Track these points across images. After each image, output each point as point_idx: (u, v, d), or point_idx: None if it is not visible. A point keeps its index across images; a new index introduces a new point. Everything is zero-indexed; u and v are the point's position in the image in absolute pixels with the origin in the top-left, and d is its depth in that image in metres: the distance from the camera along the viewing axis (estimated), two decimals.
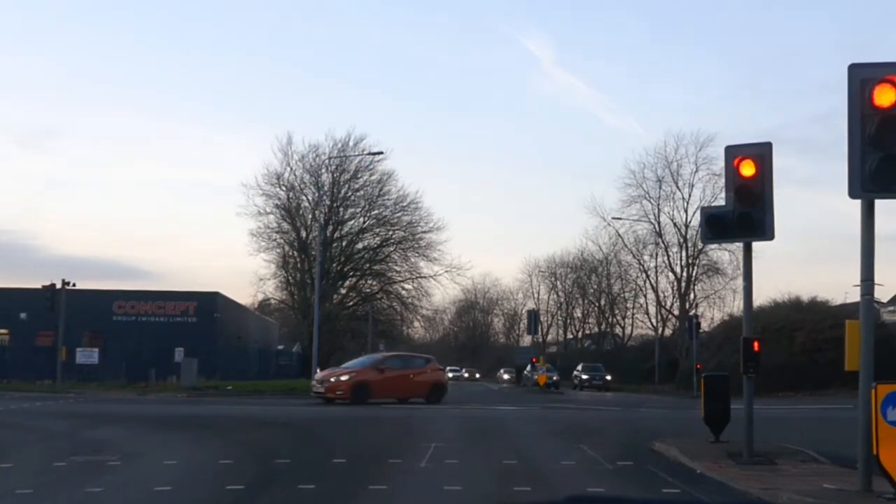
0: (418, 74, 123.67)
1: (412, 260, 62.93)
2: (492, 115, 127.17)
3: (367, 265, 63.44)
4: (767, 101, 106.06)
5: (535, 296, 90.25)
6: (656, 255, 63.89)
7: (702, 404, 15.09)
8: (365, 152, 57.31)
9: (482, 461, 12.73)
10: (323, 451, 14.04)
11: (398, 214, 61.45)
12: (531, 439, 17.22)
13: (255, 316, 69.18)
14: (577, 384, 56.72)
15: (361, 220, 61.67)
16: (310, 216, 59.66)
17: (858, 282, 9.49)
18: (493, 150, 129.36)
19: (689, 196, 60.78)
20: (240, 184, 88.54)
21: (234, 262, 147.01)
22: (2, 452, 13.24)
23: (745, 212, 12.07)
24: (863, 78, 9.13)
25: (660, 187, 61.50)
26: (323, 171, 59.27)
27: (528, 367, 52.27)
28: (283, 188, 59.30)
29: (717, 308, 62.47)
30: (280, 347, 75.54)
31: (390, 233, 62.43)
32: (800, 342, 41.72)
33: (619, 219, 61.86)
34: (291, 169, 59.15)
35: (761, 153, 12.16)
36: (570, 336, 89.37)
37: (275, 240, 60.73)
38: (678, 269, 62.68)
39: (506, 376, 68.21)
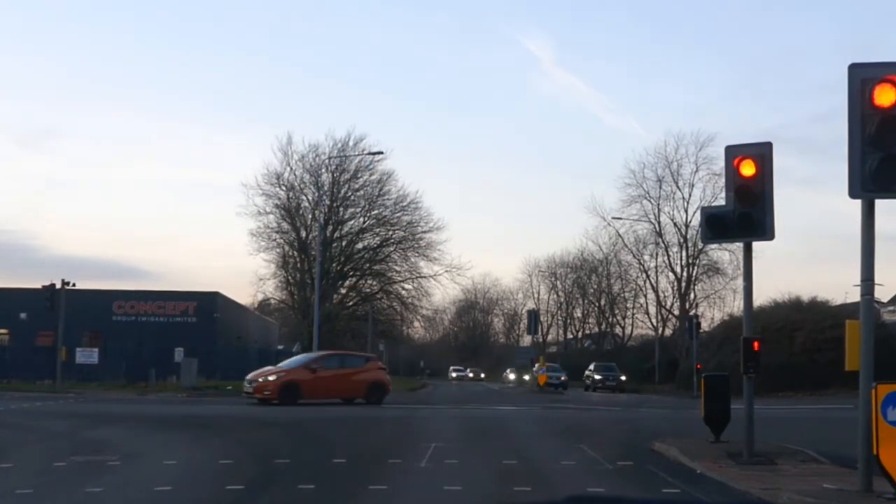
0: (418, 74, 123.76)
1: (412, 260, 62.96)
2: (492, 115, 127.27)
3: (367, 265, 63.43)
4: (767, 101, 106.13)
5: (535, 296, 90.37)
6: (656, 254, 63.95)
7: (702, 404, 15.09)
8: (365, 152, 57.34)
9: (482, 461, 12.73)
10: (323, 451, 14.03)
11: (398, 214, 61.48)
12: (531, 439, 17.21)
13: (255, 316, 69.19)
14: (589, 385, 54.09)
15: (361, 219, 61.69)
16: (310, 216, 59.66)
17: (858, 282, 9.49)
18: (493, 150, 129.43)
19: (690, 196, 60.84)
20: (240, 184, 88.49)
21: (234, 262, 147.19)
22: (2, 452, 13.23)
23: (745, 212, 12.07)
24: (863, 78, 9.13)
25: (660, 187, 61.54)
26: (323, 170, 59.29)
27: (536, 367, 52.09)
28: (283, 188, 59.33)
29: (717, 308, 62.53)
30: (280, 347, 75.44)
31: (390, 233, 62.44)
32: (800, 342, 41.71)
33: (619, 219, 61.91)
34: (291, 169, 59.17)
35: (761, 153, 12.16)
36: (570, 336, 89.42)
37: (275, 240, 60.75)
38: (678, 269, 62.72)
39: (512, 376, 66.50)
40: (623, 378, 53.43)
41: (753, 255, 12.86)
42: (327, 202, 59.13)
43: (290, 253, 61.18)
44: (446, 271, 61.93)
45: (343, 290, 64.21)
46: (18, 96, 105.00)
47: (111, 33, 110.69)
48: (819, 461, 12.33)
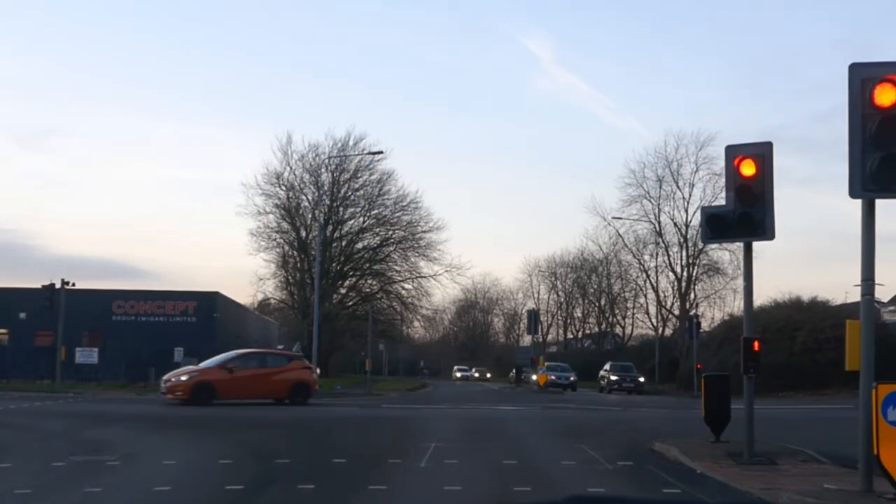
0: (418, 74, 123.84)
1: (412, 260, 63.00)
2: (492, 114, 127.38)
3: (367, 265, 63.44)
4: (767, 101, 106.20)
5: (535, 296, 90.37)
6: (656, 254, 63.95)
7: (702, 404, 15.08)
8: (365, 152, 57.35)
9: (482, 461, 12.71)
10: (322, 450, 14.02)
11: (398, 214, 61.50)
12: (531, 439, 17.20)
13: (255, 316, 69.16)
14: (604, 386, 51.29)
15: (361, 219, 61.72)
16: (309, 216, 59.67)
17: (859, 282, 9.47)
18: (493, 150, 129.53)
19: (690, 196, 60.85)
20: (239, 183, 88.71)
21: (234, 262, 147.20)
22: (1, 452, 13.22)
23: (745, 211, 12.05)
24: (863, 77, 9.11)
25: (660, 187, 61.55)
26: (323, 170, 59.30)
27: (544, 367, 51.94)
28: (283, 188, 59.35)
29: (717, 308, 62.54)
30: (280, 347, 75.46)
31: (390, 232, 62.46)
32: (800, 342, 41.69)
33: (620, 218, 61.90)
34: (291, 168, 59.20)
35: (762, 153, 12.14)
36: (570, 336, 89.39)
37: (274, 239, 60.78)
38: (678, 269, 62.73)
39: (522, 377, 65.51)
40: (642, 379, 50.76)
41: (754, 254, 12.85)
42: (327, 202, 59.14)
43: (290, 253, 61.20)
44: (446, 271, 62.01)
45: (343, 290, 64.22)
46: (18, 96, 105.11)
47: (111, 33, 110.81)
48: (819, 461, 12.32)
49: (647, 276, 65.80)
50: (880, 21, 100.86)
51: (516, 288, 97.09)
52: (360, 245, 62.75)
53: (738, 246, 20.95)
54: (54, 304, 36.61)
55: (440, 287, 73.13)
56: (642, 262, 65.87)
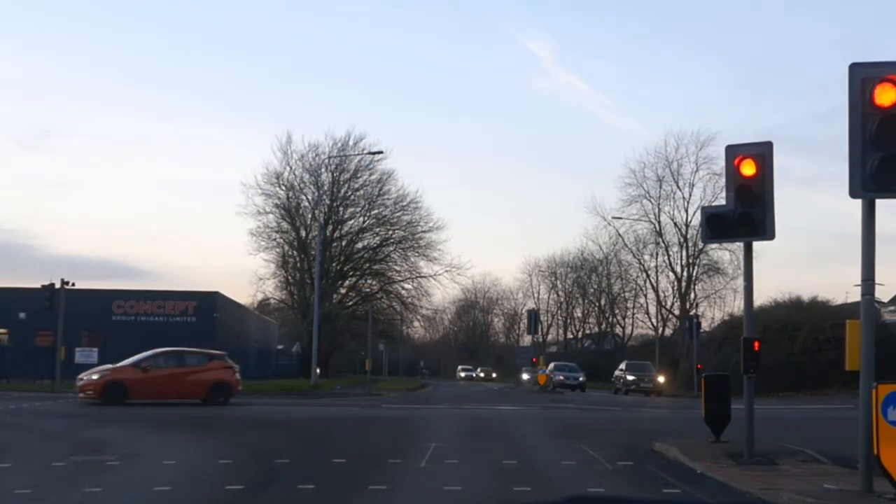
0: (418, 74, 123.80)
1: (412, 259, 63.04)
2: (492, 114, 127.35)
3: (367, 265, 63.46)
4: (767, 101, 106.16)
5: (535, 295, 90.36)
6: (657, 254, 63.98)
7: (702, 404, 15.07)
8: (365, 152, 57.39)
9: (482, 461, 12.71)
10: (322, 450, 14.01)
11: (398, 214, 61.54)
12: (531, 439, 17.20)
13: (255, 315, 69.18)
14: (619, 387, 48.26)
15: (361, 219, 61.75)
16: (309, 216, 59.70)
17: (859, 281, 9.46)
18: (493, 150, 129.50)
19: (690, 195, 60.88)
20: (239, 183, 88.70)
21: (234, 262, 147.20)
22: (1, 452, 13.21)
23: (745, 211, 12.04)
24: (863, 77, 9.11)
25: (660, 187, 61.56)
26: (322, 170, 59.34)
27: (551, 367, 51.72)
28: (283, 188, 59.40)
29: (717, 308, 62.57)
30: (279, 347, 75.51)
31: (390, 232, 62.49)
32: (800, 342, 41.67)
33: (620, 218, 61.91)
34: (291, 168, 59.25)
35: (762, 153, 12.14)
36: (570, 336, 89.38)
37: (274, 239, 60.83)
38: (678, 269, 62.75)
39: (526, 376, 60.95)
40: (662, 380, 47.68)
41: (754, 254, 12.84)
42: (327, 202, 59.16)
43: (290, 252, 61.24)
44: (446, 271, 62.06)
45: (343, 290, 64.25)
46: (18, 96, 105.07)
47: (111, 33, 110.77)
48: (819, 461, 12.31)
49: (647, 275, 65.90)
50: (880, 21, 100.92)
51: (516, 288, 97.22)
52: (360, 245, 62.80)
53: (738, 246, 20.95)
54: (54, 303, 36.60)
55: (440, 287, 73.24)
56: (642, 261, 65.97)
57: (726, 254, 58.14)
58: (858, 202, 9.37)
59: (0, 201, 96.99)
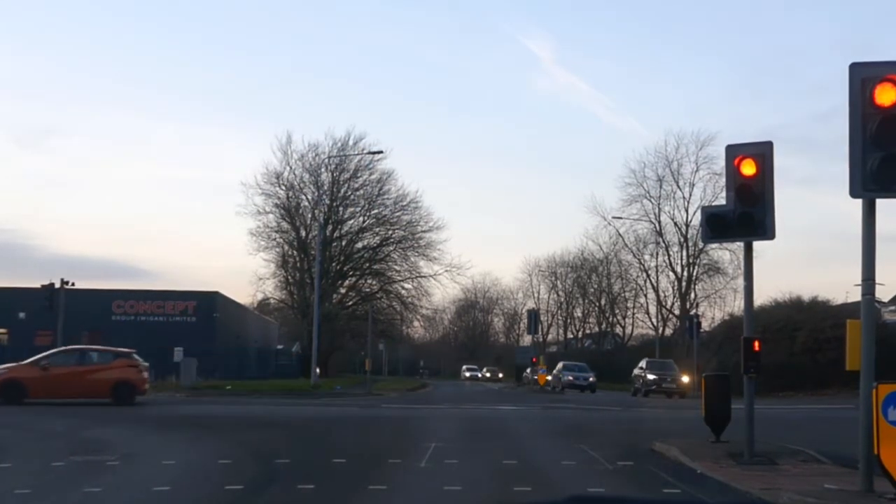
0: (418, 74, 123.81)
1: (412, 259, 63.03)
2: (492, 114, 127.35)
3: (367, 264, 63.46)
4: (767, 101, 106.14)
5: (536, 295, 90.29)
6: (657, 254, 64.01)
7: (702, 404, 15.06)
8: (364, 151, 57.38)
9: (482, 461, 12.70)
10: (322, 450, 14.01)
11: (398, 214, 61.54)
12: (531, 439, 17.19)
13: (255, 315, 69.17)
14: (638, 388, 44.42)
15: (361, 219, 61.76)
16: (309, 215, 59.69)
17: (859, 281, 9.45)
18: (493, 150, 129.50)
19: (690, 195, 60.92)
20: (239, 183, 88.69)
21: (234, 262, 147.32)
22: (1, 452, 13.20)
23: (745, 211, 12.03)
24: (864, 77, 9.10)
25: (660, 186, 61.60)
26: (322, 170, 59.34)
27: (559, 367, 51.44)
28: (283, 187, 59.39)
29: (717, 308, 62.57)
30: (279, 347, 75.51)
31: (390, 232, 62.49)
32: (801, 342, 41.67)
33: (620, 218, 61.90)
34: (291, 168, 59.25)
35: (762, 152, 12.12)
36: (570, 336, 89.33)
37: (274, 239, 60.82)
38: (679, 269, 62.80)
39: (533, 377, 60.58)
40: (686, 379, 42.77)
41: (754, 254, 12.83)
42: (327, 201, 59.16)
43: (290, 252, 61.24)
44: (446, 271, 62.04)
45: (343, 290, 64.24)
46: (18, 96, 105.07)
47: (111, 33, 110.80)
48: (820, 461, 12.30)
49: (648, 275, 65.92)
50: (880, 21, 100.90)
51: (516, 288, 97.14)
52: (359, 245, 62.81)
53: (738, 246, 20.94)
54: (54, 303, 36.61)
55: (440, 287, 73.13)
56: (642, 261, 65.99)
57: (726, 254, 58.22)
58: (859, 202, 9.36)
59: (0, 201, 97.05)
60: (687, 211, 60.98)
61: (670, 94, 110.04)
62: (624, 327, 78.00)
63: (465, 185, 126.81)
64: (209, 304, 53.06)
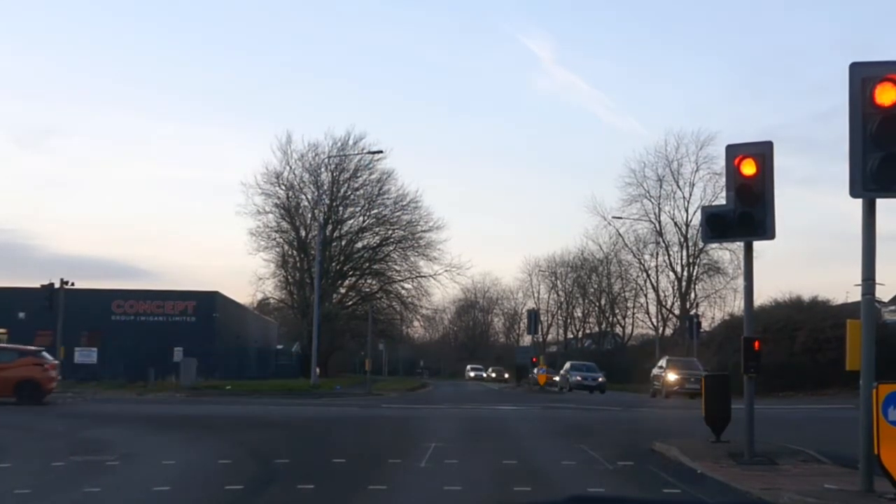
0: (418, 74, 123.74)
1: (412, 259, 63.04)
2: (492, 114, 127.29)
3: (367, 264, 63.46)
4: (767, 101, 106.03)
5: (536, 295, 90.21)
6: (657, 254, 63.97)
7: (702, 404, 15.06)
8: (364, 151, 57.37)
9: (482, 461, 12.69)
10: (322, 450, 14.00)
11: (398, 213, 61.54)
12: (531, 439, 17.18)
13: (255, 315, 69.16)
14: (658, 388, 40.37)
15: (361, 219, 61.76)
16: (309, 215, 59.69)
17: (859, 281, 9.45)
18: (493, 150, 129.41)
19: (690, 195, 60.88)
20: (239, 183, 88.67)
21: (234, 262, 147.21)
22: (1, 452, 13.20)
23: (745, 211, 12.02)
24: (864, 77, 9.09)
25: (660, 186, 61.56)
26: (322, 170, 59.33)
27: (567, 367, 51.29)
28: (283, 187, 59.38)
29: (717, 307, 62.52)
30: (279, 347, 75.51)
31: (390, 232, 62.49)
32: (801, 342, 41.65)
33: (620, 218, 61.86)
34: (291, 168, 59.23)
35: (762, 152, 12.11)
36: (570, 336, 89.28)
37: (274, 239, 60.81)
38: (679, 269, 62.77)
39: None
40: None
41: (754, 254, 12.82)
42: (327, 201, 59.14)
43: (290, 252, 61.24)
44: (446, 271, 62.04)
45: (342, 290, 64.25)
46: (18, 96, 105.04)
47: (111, 33, 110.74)
48: (820, 461, 12.30)
49: (648, 275, 65.88)
50: (880, 21, 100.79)
51: (516, 287, 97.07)
52: (359, 244, 62.81)
53: (738, 245, 20.93)
54: (53, 303, 36.59)
55: (440, 287, 73.08)
56: (642, 261, 65.94)
57: (726, 253, 58.19)
58: (859, 202, 9.36)
59: (0, 201, 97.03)
60: (687, 211, 61.02)
61: (670, 94, 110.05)
62: (624, 327, 78.02)
63: (465, 185, 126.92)
64: (209, 304, 53.04)
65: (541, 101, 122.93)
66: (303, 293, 59.67)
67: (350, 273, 63.73)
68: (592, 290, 79.79)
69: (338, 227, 60.78)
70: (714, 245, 52.70)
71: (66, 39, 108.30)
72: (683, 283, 62.27)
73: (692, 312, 56.48)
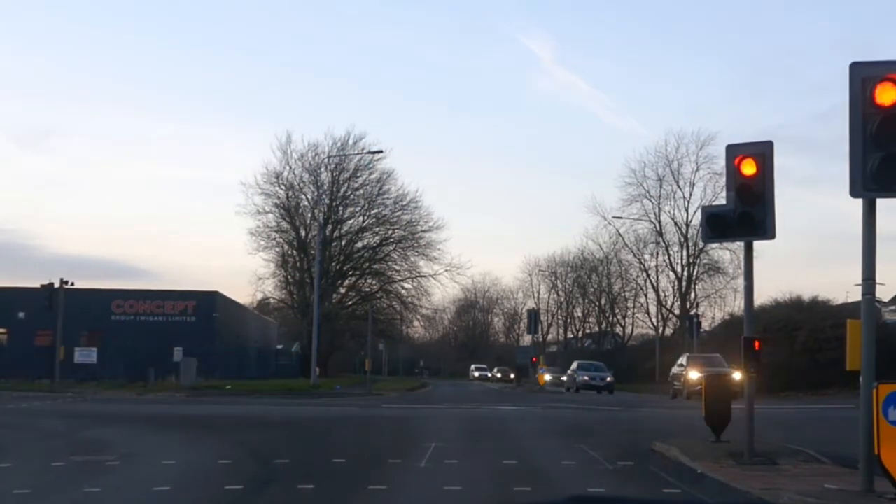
0: (418, 74, 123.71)
1: (412, 259, 63.05)
2: (492, 114, 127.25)
3: (367, 264, 63.46)
4: (767, 101, 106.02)
5: (536, 295, 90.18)
6: (657, 254, 63.91)
7: (703, 404, 15.05)
8: (364, 151, 57.37)
9: (482, 461, 12.69)
10: (322, 450, 14.00)
11: (398, 213, 61.54)
12: (531, 439, 17.18)
13: (255, 315, 69.17)
14: (679, 389, 38.07)
15: (361, 219, 61.76)
16: (309, 215, 59.69)
17: (860, 281, 9.44)
18: (492, 149, 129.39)
19: (690, 195, 60.80)
20: (239, 183, 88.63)
21: (234, 262, 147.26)
22: (1, 452, 13.19)
23: (746, 211, 12.02)
24: (864, 77, 9.09)
25: (660, 186, 61.48)
26: (322, 169, 59.33)
27: (574, 366, 51.14)
28: (283, 187, 59.38)
29: (717, 307, 62.46)
30: (279, 347, 75.51)
31: (390, 232, 62.49)
32: (801, 342, 41.60)
33: (620, 218, 61.78)
34: (291, 168, 59.23)
35: (762, 152, 12.10)
36: (570, 335, 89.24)
37: (274, 239, 60.81)
38: (679, 269, 62.70)
39: (548, 377, 55.49)
40: (738, 377, 33.52)
41: (754, 254, 12.81)
42: (327, 201, 59.14)
43: (290, 252, 61.25)
44: (446, 270, 62.05)
45: (342, 290, 64.24)
46: (18, 96, 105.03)
47: (111, 33, 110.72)
48: (820, 461, 12.29)
49: (648, 275, 65.83)
50: (880, 21, 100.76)
51: (516, 287, 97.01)
52: (359, 244, 62.81)
53: (738, 245, 20.91)
54: (53, 303, 36.61)
55: (440, 287, 73.05)
56: (643, 261, 65.87)
57: (727, 253, 58.13)
58: (859, 202, 9.35)
59: (0, 201, 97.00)
60: (687, 211, 60.96)
61: (670, 94, 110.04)
62: (624, 327, 77.95)
63: (465, 185, 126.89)
64: (209, 304, 53.06)
65: (541, 101, 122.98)
66: (303, 293, 59.66)
67: (350, 273, 63.73)
68: (592, 289, 79.74)
69: (338, 226, 60.78)
70: (714, 245, 52.66)
71: (66, 39, 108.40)
72: (683, 283, 62.25)
73: (692, 312, 56.44)
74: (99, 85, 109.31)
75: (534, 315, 53.74)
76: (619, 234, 65.54)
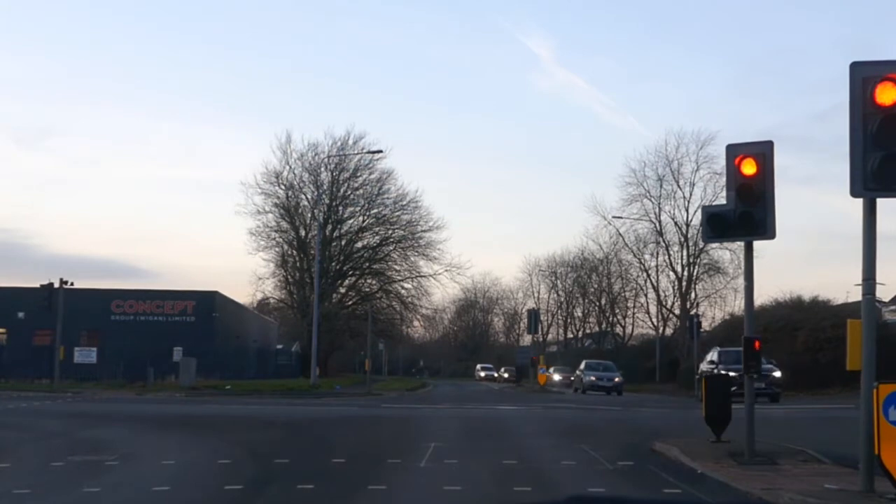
0: (418, 73, 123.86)
1: (412, 259, 63.01)
2: (492, 113, 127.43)
3: (367, 264, 63.43)
4: (768, 101, 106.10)
5: (536, 295, 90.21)
6: (657, 254, 63.84)
7: (703, 404, 15.04)
8: (364, 151, 57.33)
9: (482, 461, 12.67)
10: (322, 450, 13.99)
11: (398, 213, 61.50)
12: (531, 439, 17.16)
13: (254, 315, 69.14)
14: (702, 390, 26.09)
15: (361, 218, 61.72)
16: (309, 215, 59.65)
17: (860, 281, 9.43)
18: (492, 149, 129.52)
19: (690, 195, 60.70)
20: (239, 182, 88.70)
21: (233, 261, 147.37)
22: (0, 452, 13.20)
23: (746, 211, 12.01)
24: (864, 76, 9.08)
25: (660, 186, 61.38)
26: (322, 169, 59.31)
27: (582, 366, 51.04)
28: (283, 187, 59.36)
29: (718, 307, 62.44)
30: (279, 347, 75.47)
31: (390, 232, 62.45)
32: (801, 342, 41.61)
33: (620, 218, 61.71)
34: (290, 167, 59.21)
35: (762, 152, 12.09)
36: (570, 335, 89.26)
37: (274, 239, 60.78)
38: (679, 269, 62.61)
39: (556, 377, 55.15)
40: (778, 374, 33.04)
41: (754, 254, 12.80)
42: (326, 201, 59.12)
43: (290, 252, 61.23)
44: (446, 270, 62.01)
45: (342, 290, 64.21)
46: (18, 96, 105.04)
47: (110, 32, 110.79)
48: (820, 461, 12.28)
49: (648, 275, 65.76)
50: (880, 21, 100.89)
51: (516, 287, 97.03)
52: (359, 244, 62.78)
53: (738, 245, 20.89)
54: (53, 303, 36.57)
55: (440, 286, 73.08)
56: (643, 261, 65.78)
57: (727, 253, 58.09)
58: (859, 201, 9.34)
59: (0, 201, 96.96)
60: (687, 210, 60.87)
61: (670, 93, 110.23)
62: (624, 327, 77.95)
63: (464, 184, 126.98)
64: (208, 304, 53.05)
65: (541, 100, 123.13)
66: (302, 293, 59.65)
67: (350, 273, 63.70)
68: (592, 289, 79.73)
69: (337, 226, 60.76)
70: (714, 245, 52.64)
71: (66, 39, 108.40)
72: (684, 283, 62.17)
73: (692, 312, 56.36)
74: (99, 85, 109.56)
75: (534, 315, 53.70)
76: (619, 233, 65.49)
